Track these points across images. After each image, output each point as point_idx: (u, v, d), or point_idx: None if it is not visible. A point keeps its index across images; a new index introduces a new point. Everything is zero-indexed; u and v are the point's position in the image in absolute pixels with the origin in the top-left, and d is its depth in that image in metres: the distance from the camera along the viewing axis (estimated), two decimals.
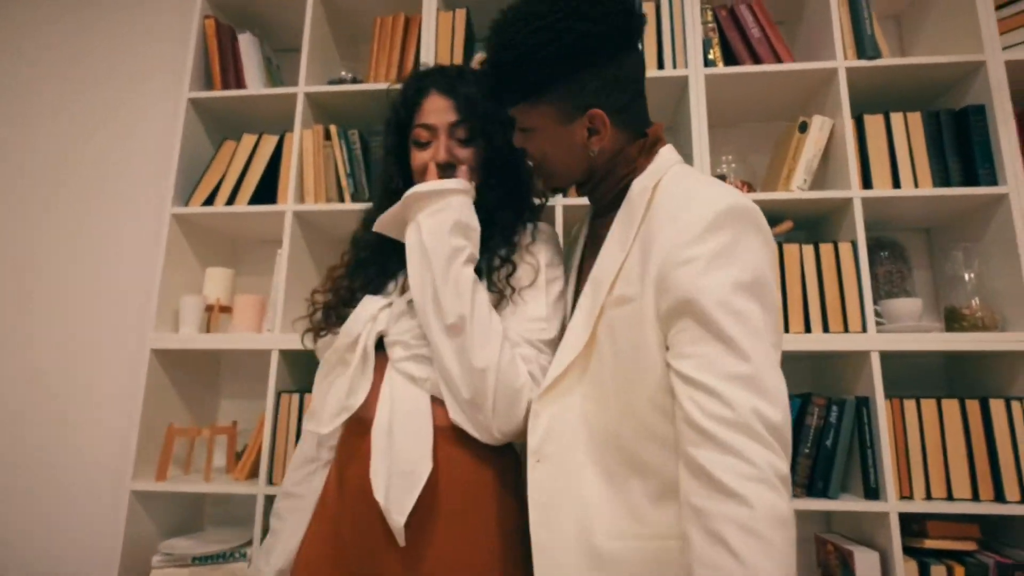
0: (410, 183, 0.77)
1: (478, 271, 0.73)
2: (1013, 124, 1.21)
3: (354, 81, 1.42)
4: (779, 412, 0.52)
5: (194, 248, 1.44)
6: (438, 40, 1.36)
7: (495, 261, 0.75)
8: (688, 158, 1.23)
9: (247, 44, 1.47)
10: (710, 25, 1.34)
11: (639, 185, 0.67)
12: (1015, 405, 1.10)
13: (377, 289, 0.81)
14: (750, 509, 0.48)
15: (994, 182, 1.20)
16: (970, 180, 1.22)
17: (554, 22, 0.63)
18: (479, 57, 1.38)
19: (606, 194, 0.73)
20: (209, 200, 1.39)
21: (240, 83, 1.45)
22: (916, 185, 1.23)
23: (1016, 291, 1.15)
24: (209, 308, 1.38)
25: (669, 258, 0.58)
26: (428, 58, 1.34)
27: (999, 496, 1.07)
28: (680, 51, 1.32)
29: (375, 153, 1.36)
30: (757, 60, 1.32)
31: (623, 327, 0.62)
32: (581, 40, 0.64)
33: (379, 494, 0.65)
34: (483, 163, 0.79)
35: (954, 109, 1.27)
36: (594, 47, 0.65)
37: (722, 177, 1.37)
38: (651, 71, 1.29)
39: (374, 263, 0.83)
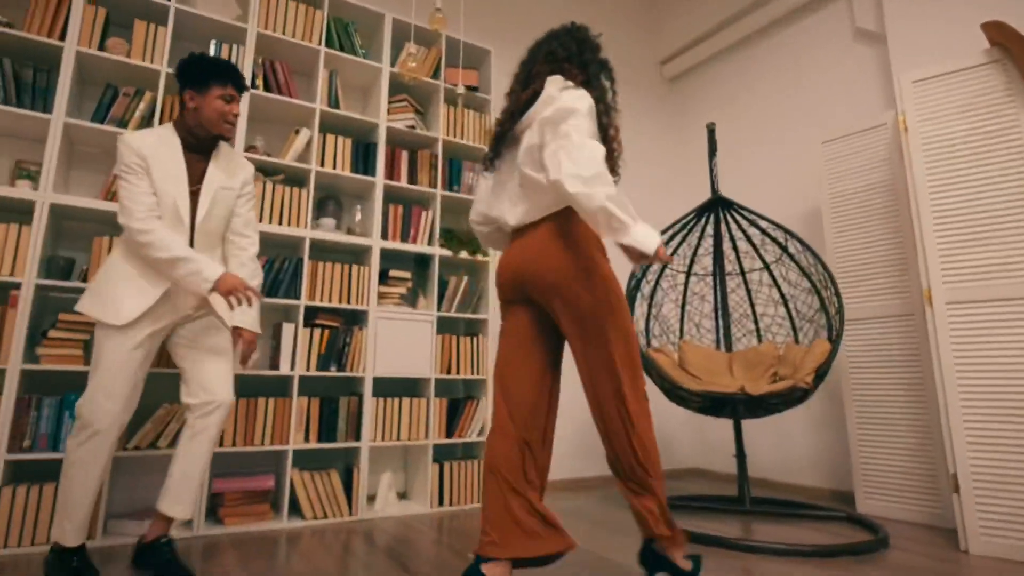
0: None
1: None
2: (384, 155, 2.96)
3: (8, 26, 2.28)
4: None
5: None
6: (83, 25, 2.37)
7: None
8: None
9: None
10: (259, 66, 2.73)
11: None
12: None
13: None
14: None
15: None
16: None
17: None
18: (109, 42, 2.43)
19: None
20: None
21: None
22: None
23: None
24: None
25: None
26: (74, 32, 2.33)
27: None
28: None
29: (25, 77, 2.28)
30: (280, 91, 2.77)
31: None
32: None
33: None
34: None
35: (369, 142, 2.98)
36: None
37: (252, 148, 2.76)
38: None
39: None
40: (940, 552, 2.16)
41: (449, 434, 2.92)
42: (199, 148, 1.97)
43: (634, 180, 4.19)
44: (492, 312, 3.12)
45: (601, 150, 1.47)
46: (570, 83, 1.60)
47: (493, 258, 3.17)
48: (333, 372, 2.65)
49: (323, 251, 2.90)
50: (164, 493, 1.88)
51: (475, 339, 3.05)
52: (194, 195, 1.95)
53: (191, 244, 1.92)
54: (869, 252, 2.90)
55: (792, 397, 2.44)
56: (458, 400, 2.99)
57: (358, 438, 2.67)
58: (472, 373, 3.01)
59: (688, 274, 3.19)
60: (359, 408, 2.69)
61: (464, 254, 3.07)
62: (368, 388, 2.71)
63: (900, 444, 2.70)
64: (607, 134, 1.63)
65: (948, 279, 2.32)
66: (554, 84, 1.62)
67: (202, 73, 1.92)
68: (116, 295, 1.82)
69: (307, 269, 2.67)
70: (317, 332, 2.66)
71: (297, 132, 2.79)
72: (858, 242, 2.94)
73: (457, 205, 3.24)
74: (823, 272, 2.70)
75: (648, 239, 1.40)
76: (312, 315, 2.72)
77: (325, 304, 2.70)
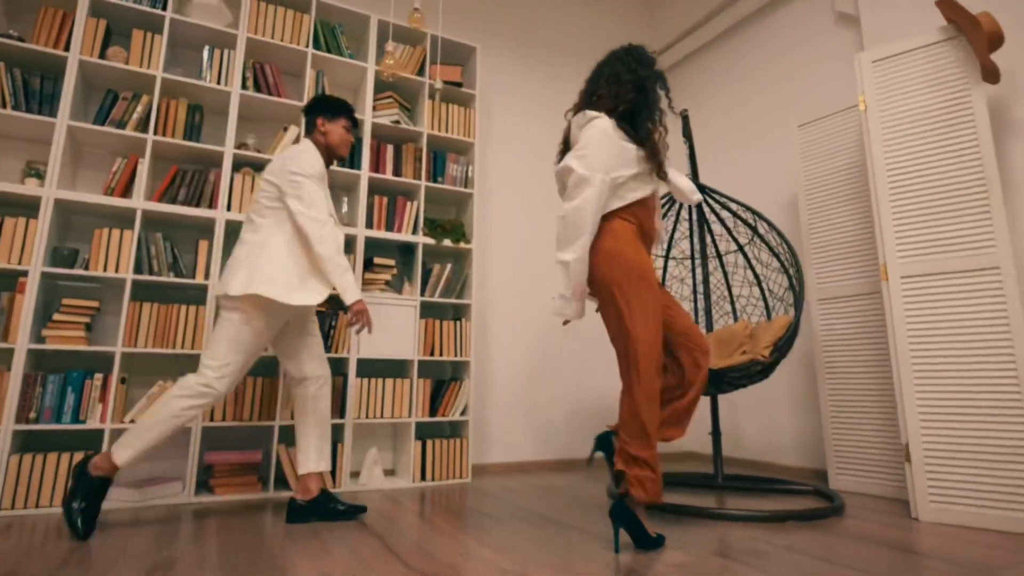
0: None
1: None
2: (370, 149, 3.11)
3: (20, 39, 2.50)
4: None
5: None
6: (84, 35, 2.58)
7: None
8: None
9: None
10: (249, 68, 2.91)
11: None
12: None
13: None
14: None
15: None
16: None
17: None
18: (110, 51, 2.64)
19: None
20: None
21: None
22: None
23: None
24: None
25: None
26: (77, 42, 2.55)
27: None
28: (234, 78, 2.85)
29: (33, 85, 2.50)
30: (269, 91, 2.95)
31: None
32: None
33: None
34: None
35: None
36: None
37: (244, 145, 2.94)
38: (210, 83, 2.79)
39: None
40: (891, 519, 2.20)
41: (432, 413, 3.06)
42: (326, 166, 2.37)
43: None
44: (475, 298, 3.24)
45: (575, 206, 1.84)
46: (592, 115, 1.94)
47: (475, 246, 3.29)
48: None
49: None
50: (306, 457, 2.25)
51: (459, 323, 3.18)
52: None
53: None
54: (841, 232, 2.93)
55: (752, 371, 2.50)
56: (443, 381, 3.12)
57: (342, 415, 2.82)
58: (456, 355, 3.14)
59: (667, 258, 3.26)
60: (343, 387, 2.85)
61: (447, 242, 3.21)
62: (352, 368, 2.86)
63: (868, 420, 2.73)
64: (652, 137, 1.95)
65: (903, 253, 2.35)
66: (576, 123, 1.99)
67: (335, 106, 2.39)
68: (299, 280, 2.15)
69: None
70: None
71: (285, 129, 2.97)
72: (831, 223, 2.98)
73: (441, 196, 3.38)
74: (789, 251, 2.75)
75: (561, 310, 1.93)
76: None
77: None
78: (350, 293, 2.17)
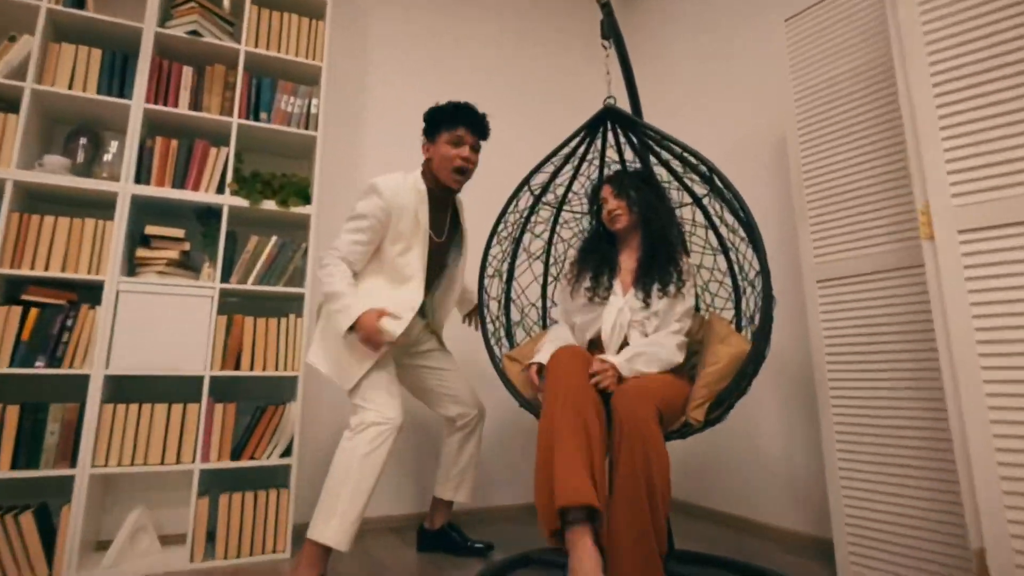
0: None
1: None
2: (150, 71, 2.12)
3: None
4: None
5: None
6: None
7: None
8: None
9: None
10: None
11: None
12: None
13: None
14: None
15: None
16: None
17: None
18: None
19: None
20: None
21: None
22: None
23: None
24: None
25: None
26: None
27: None
28: None
29: None
30: None
31: None
32: None
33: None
34: None
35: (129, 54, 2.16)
36: None
37: None
38: None
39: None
40: None
41: (235, 455, 2.04)
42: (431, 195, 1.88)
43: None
44: (311, 285, 2.21)
45: None
46: None
47: (318, 211, 2.28)
48: (40, 369, 1.84)
49: (49, 200, 2.09)
50: (448, 485, 2.03)
51: (284, 321, 2.17)
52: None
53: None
54: (855, 174, 1.82)
55: (685, 433, 1.42)
56: (261, 407, 2.11)
57: (73, 463, 1.84)
58: (278, 368, 2.13)
59: (551, 235, 2.18)
60: (79, 419, 1.86)
61: (271, 205, 2.20)
62: (96, 391, 1.87)
63: (908, 476, 1.62)
64: None
65: (960, 193, 1.25)
66: None
67: (434, 118, 1.87)
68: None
69: (5, 223, 1.87)
70: (17, 312, 1.85)
71: (12, 39, 2.00)
72: (837, 161, 1.87)
73: (269, 141, 2.37)
74: (743, 215, 1.64)
75: None
76: (17, 288, 1.91)
77: (38, 273, 1.89)
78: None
